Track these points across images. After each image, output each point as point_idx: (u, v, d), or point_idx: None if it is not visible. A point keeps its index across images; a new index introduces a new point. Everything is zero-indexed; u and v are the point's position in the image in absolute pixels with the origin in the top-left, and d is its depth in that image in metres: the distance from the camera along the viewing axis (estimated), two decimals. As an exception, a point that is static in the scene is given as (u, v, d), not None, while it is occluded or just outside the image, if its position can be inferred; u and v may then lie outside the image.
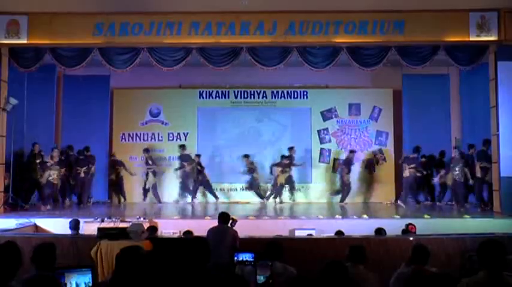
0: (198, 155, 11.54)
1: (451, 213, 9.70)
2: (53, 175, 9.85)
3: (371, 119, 12.35)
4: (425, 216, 8.64)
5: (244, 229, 6.38)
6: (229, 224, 6.07)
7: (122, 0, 9.15)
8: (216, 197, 11.50)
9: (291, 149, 11.39)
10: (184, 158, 11.36)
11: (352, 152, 11.51)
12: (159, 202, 11.17)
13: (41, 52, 9.69)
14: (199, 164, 11.38)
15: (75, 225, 6.82)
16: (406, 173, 10.48)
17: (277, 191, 11.18)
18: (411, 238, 6.12)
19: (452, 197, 10.52)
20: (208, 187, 11.57)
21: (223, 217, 6.06)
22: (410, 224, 6.88)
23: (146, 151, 11.40)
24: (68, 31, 9.46)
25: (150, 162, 11.32)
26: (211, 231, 5.82)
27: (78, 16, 9.53)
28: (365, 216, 8.72)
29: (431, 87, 11.77)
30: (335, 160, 12.01)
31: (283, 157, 11.18)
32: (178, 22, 9.54)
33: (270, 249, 4.37)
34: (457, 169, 9.98)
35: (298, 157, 11.77)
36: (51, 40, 9.56)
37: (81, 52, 9.69)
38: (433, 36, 9.45)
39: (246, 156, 11.47)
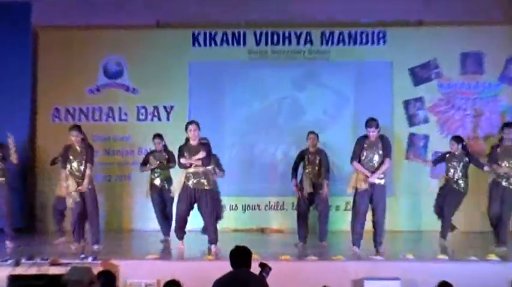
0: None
1: None
2: None
3: (502, 81, 10.73)
4: None
5: (275, 277, 5.59)
6: (254, 270, 5.46)
7: None
8: None
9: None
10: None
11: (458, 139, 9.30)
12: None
13: None
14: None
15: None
16: None
17: None
18: None
19: None
20: None
21: (240, 256, 5.23)
22: None
23: (159, 136, 9.20)
24: None
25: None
26: (222, 281, 5.09)
27: None
28: (493, 256, 7.73)
29: None
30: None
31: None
32: None
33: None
34: None
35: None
36: None
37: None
38: None
39: None
